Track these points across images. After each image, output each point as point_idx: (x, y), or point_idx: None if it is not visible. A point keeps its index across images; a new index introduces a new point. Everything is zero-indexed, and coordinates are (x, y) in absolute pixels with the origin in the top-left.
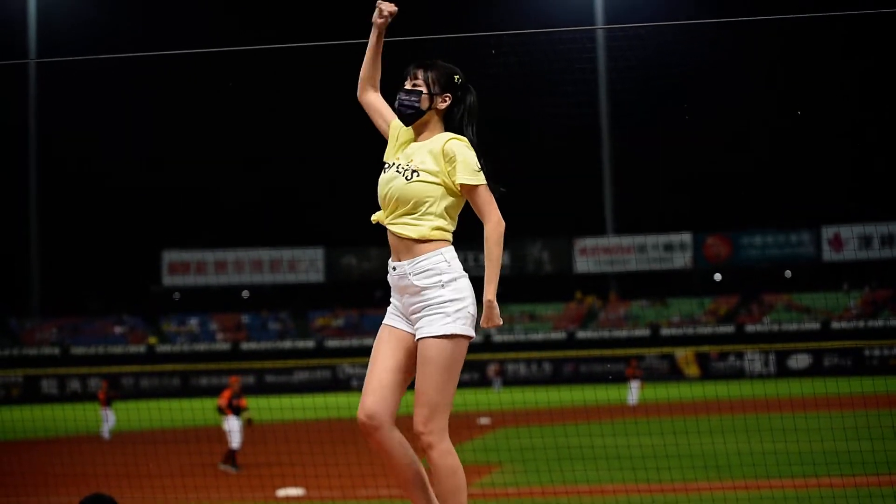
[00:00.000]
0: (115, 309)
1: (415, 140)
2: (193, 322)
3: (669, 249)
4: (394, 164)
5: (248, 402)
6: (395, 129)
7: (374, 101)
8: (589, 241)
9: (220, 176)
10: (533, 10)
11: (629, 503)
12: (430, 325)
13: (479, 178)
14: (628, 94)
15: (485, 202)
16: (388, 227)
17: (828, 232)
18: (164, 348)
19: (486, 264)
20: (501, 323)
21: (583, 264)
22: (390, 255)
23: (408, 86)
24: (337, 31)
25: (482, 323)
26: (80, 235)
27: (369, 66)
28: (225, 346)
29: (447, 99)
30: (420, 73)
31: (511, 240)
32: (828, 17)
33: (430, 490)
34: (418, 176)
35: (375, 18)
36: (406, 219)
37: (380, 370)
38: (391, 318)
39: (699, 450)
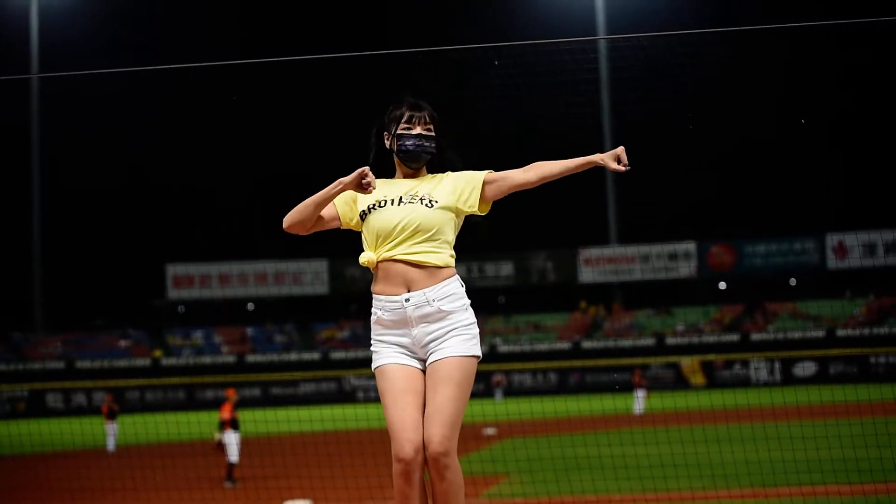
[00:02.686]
0: (119, 323)
1: (396, 181)
2: (198, 335)
3: (674, 259)
4: (395, 199)
5: (247, 414)
6: (346, 194)
7: (317, 223)
8: (593, 251)
9: (223, 189)
10: (535, 20)
11: None
12: (457, 346)
13: (482, 171)
14: (631, 104)
15: (505, 173)
16: (403, 256)
17: (832, 240)
18: (169, 361)
19: (557, 164)
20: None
21: (587, 274)
22: (385, 292)
23: (421, 130)
24: (333, 44)
25: (618, 157)
26: (84, 249)
27: (312, 212)
28: (230, 359)
29: (440, 141)
30: (428, 117)
31: (515, 251)
32: (832, 25)
33: None
34: (437, 204)
35: (351, 183)
36: (426, 246)
37: (411, 407)
38: (396, 356)
39: (706, 458)
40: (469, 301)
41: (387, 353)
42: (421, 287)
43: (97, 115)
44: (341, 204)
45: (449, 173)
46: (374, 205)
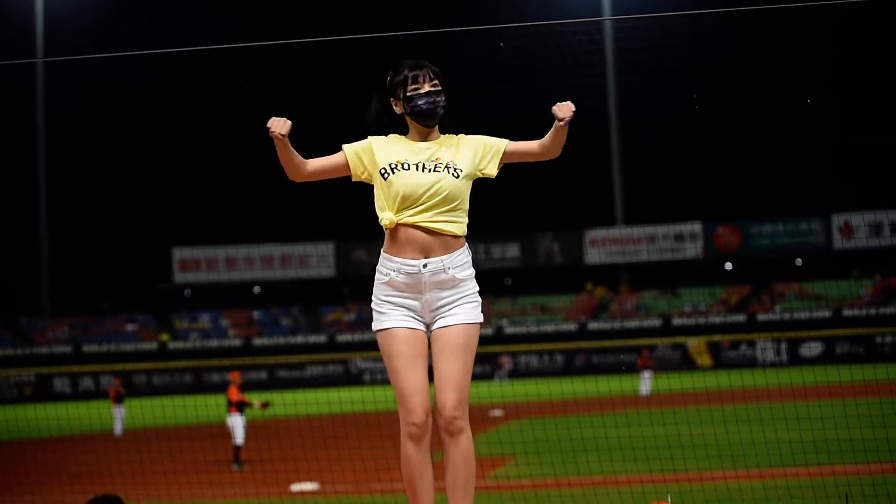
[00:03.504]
0: (126, 307)
1: (412, 141)
2: (205, 318)
3: (680, 239)
4: (419, 164)
5: (254, 396)
6: (361, 145)
7: (317, 167)
8: (599, 233)
9: (229, 172)
10: (540, 3)
11: (643, 493)
12: (467, 313)
13: (502, 140)
14: (637, 85)
15: (522, 143)
16: (425, 224)
17: (838, 220)
18: (176, 345)
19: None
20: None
21: (593, 255)
22: (400, 255)
23: (429, 87)
24: (338, 27)
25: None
26: (91, 234)
27: (295, 159)
28: (237, 343)
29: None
30: (431, 73)
31: (521, 232)
32: (838, 4)
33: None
34: (462, 173)
35: (277, 134)
36: (449, 216)
37: (422, 373)
38: (406, 320)
39: (712, 439)
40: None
41: (395, 316)
42: (438, 254)
43: (102, 100)
44: (352, 154)
45: (463, 136)
46: (397, 165)
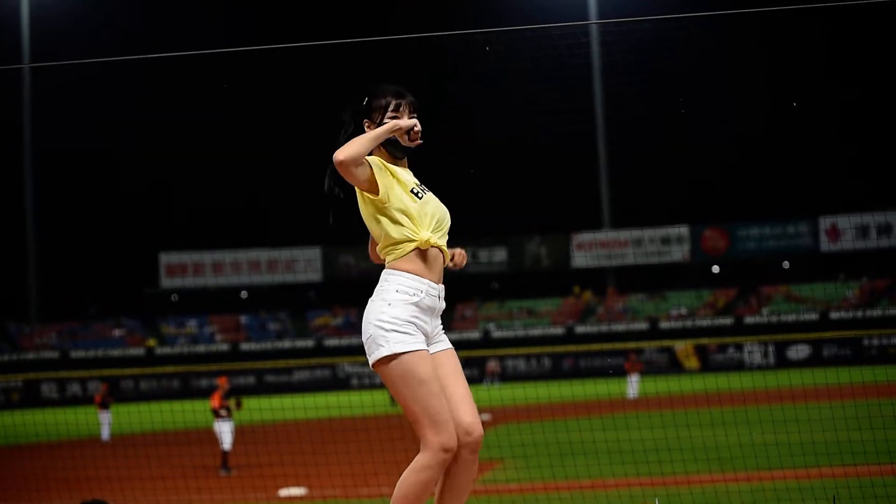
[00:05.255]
0: (113, 312)
1: (405, 170)
2: (192, 324)
3: (667, 243)
4: (425, 188)
5: (242, 402)
6: (381, 165)
7: (356, 172)
8: (586, 236)
9: (216, 177)
10: (526, 5)
11: (631, 496)
12: (446, 339)
13: None
14: (623, 88)
15: None
16: (443, 248)
17: (825, 222)
18: (164, 350)
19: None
20: None
21: (580, 259)
22: (426, 276)
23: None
24: (326, 32)
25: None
26: (78, 239)
27: (366, 148)
28: (224, 347)
29: None
30: (413, 106)
31: (509, 236)
32: (822, 8)
33: None
34: None
35: (405, 127)
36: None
37: (443, 399)
38: (423, 343)
39: (700, 442)
40: None
41: (421, 340)
42: (439, 282)
43: (89, 105)
44: (379, 171)
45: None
46: (419, 188)
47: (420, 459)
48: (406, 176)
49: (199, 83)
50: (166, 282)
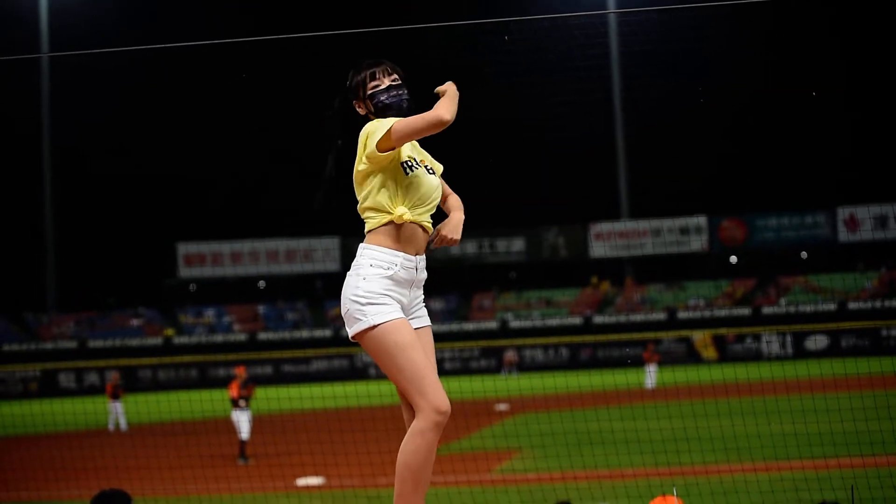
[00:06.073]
0: (131, 302)
1: None
2: (210, 313)
3: (685, 233)
4: (424, 164)
5: (260, 391)
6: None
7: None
8: (604, 226)
9: (234, 167)
10: None
11: (649, 486)
12: (426, 315)
13: None
14: (641, 78)
15: None
16: (425, 223)
17: (843, 213)
18: (181, 340)
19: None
20: None
21: (598, 249)
22: (402, 250)
23: (389, 82)
24: (347, 20)
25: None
26: (96, 229)
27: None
28: (242, 337)
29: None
30: (390, 69)
31: (526, 226)
32: None
33: None
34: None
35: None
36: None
37: (431, 365)
38: (400, 312)
39: (718, 432)
40: None
41: (398, 309)
42: (420, 253)
43: (107, 95)
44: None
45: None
46: (413, 162)
47: (415, 425)
48: (405, 149)
49: (217, 73)
50: (184, 271)
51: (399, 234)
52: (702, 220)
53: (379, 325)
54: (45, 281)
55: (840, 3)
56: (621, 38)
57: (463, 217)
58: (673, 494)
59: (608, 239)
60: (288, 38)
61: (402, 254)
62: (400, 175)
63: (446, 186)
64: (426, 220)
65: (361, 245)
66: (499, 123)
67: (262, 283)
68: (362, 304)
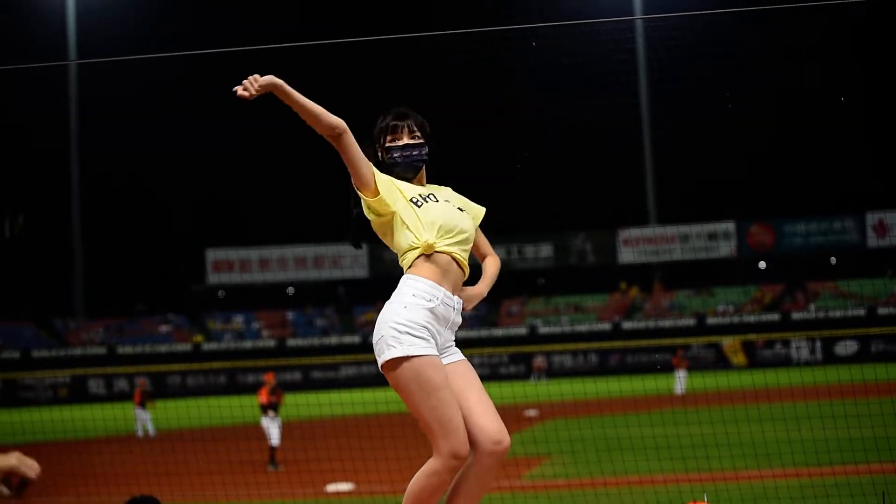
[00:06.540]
0: (160, 308)
1: (417, 186)
2: (239, 320)
3: (713, 238)
4: (437, 198)
5: (289, 398)
6: (390, 181)
7: (350, 139)
8: (632, 232)
9: (262, 173)
10: (572, 2)
11: (679, 492)
12: (459, 352)
13: (481, 208)
14: (669, 84)
15: (480, 237)
16: (458, 256)
17: (872, 218)
18: (210, 346)
19: (490, 275)
20: None
21: (627, 255)
22: (442, 284)
23: (408, 139)
24: (377, 28)
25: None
26: (124, 235)
27: (311, 108)
28: (270, 343)
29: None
30: (414, 124)
31: (555, 232)
32: (870, 1)
33: None
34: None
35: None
36: (467, 255)
37: (456, 406)
38: (435, 349)
39: (748, 438)
40: None
41: (433, 346)
42: (455, 293)
43: (136, 101)
44: (382, 181)
45: (449, 189)
46: (426, 196)
47: (431, 464)
48: (412, 189)
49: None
50: (213, 278)
51: (436, 265)
52: (730, 226)
53: (413, 357)
54: (73, 287)
55: (869, 8)
56: (648, 42)
57: (486, 291)
58: (704, 500)
59: (636, 245)
60: (318, 45)
61: (443, 289)
62: (411, 211)
63: (485, 243)
64: (458, 254)
65: (404, 276)
66: (527, 129)
67: (290, 290)
68: (400, 332)
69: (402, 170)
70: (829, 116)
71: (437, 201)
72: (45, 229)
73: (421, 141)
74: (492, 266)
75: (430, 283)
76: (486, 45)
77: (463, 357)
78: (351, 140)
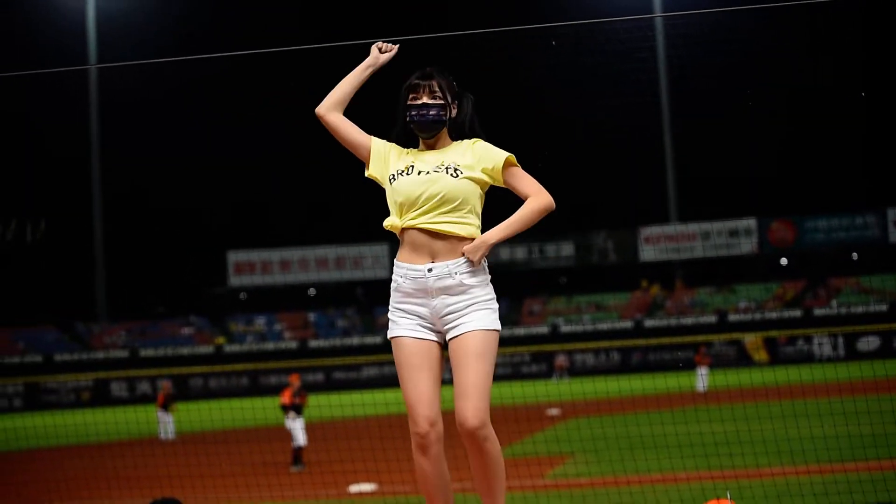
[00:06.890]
0: (182, 310)
1: (422, 151)
2: (260, 321)
3: (734, 235)
4: (422, 170)
5: (311, 399)
6: (384, 146)
7: (342, 120)
8: (653, 230)
9: (284, 175)
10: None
11: (702, 490)
12: (480, 321)
13: (504, 153)
14: (689, 81)
15: (529, 176)
16: (427, 226)
17: (893, 213)
18: (232, 348)
19: (510, 218)
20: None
21: (648, 253)
22: (415, 260)
23: (427, 98)
24: (396, 28)
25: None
26: (146, 238)
27: (347, 93)
28: (292, 345)
29: (455, 107)
30: (436, 85)
31: (576, 230)
32: None
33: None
34: (462, 174)
35: (374, 61)
36: (450, 217)
37: (425, 383)
38: (414, 329)
39: (771, 435)
40: (490, 276)
41: (404, 324)
42: (445, 258)
43: (155, 104)
44: (375, 151)
45: (478, 141)
46: (404, 171)
47: None
48: (402, 163)
49: (264, 81)
50: (234, 280)
51: (404, 245)
52: (751, 223)
53: (391, 338)
54: (95, 290)
55: (889, 4)
56: (668, 40)
57: (496, 235)
58: (727, 498)
59: (657, 242)
60: (331, 47)
61: (405, 265)
62: (389, 192)
63: (524, 185)
64: (426, 223)
65: None
66: (547, 127)
67: (312, 291)
68: (389, 319)
69: (417, 128)
70: (850, 112)
71: (411, 174)
72: (66, 233)
73: (441, 102)
74: (523, 208)
75: (400, 263)
76: (506, 45)
77: (467, 329)
78: (336, 121)
